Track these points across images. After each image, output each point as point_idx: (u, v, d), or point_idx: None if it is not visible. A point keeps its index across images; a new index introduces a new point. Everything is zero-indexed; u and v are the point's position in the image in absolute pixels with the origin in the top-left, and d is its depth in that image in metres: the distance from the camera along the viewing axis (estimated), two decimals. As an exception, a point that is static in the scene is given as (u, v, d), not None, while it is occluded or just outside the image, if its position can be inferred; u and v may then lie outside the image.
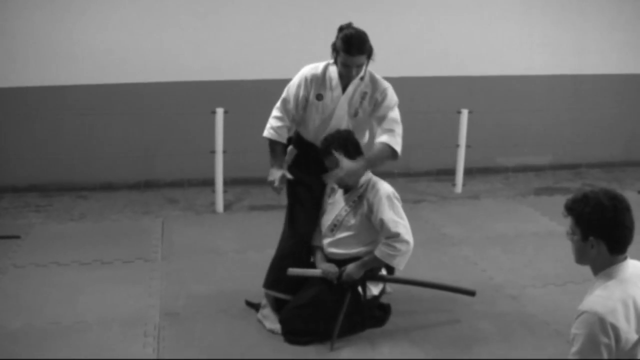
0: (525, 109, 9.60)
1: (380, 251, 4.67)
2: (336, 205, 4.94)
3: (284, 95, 5.05)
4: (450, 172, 8.88)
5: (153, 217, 7.63)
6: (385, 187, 4.82)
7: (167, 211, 7.85)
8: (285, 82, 8.31)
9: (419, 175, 9.26)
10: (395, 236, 4.63)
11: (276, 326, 4.88)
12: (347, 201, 4.89)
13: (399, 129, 4.96)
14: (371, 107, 4.98)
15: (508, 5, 9.32)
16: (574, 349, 2.93)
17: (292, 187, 5.11)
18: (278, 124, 5.04)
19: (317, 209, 5.04)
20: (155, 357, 4.55)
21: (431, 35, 9.05)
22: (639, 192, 8.69)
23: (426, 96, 9.11)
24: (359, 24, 8.60)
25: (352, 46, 4.67)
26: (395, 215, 4.69)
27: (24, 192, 8.35)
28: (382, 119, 4.95)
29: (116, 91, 8.36)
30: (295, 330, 4.78)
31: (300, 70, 5.04)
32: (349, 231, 4.85)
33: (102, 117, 8.39)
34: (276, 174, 4.93)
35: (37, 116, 8.26)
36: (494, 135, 9.52)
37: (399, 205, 4.79)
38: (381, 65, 8.47)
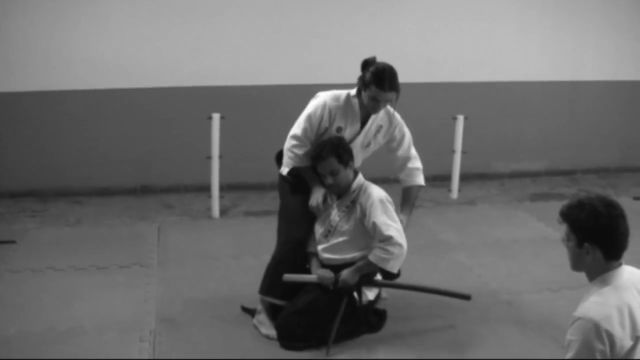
0: (521, 115, 9.62)
1: (374, 255, 4.68)
2: (329, 211, 4.95)
3: (304, 125, 4.91)
4: (446, 178, 8.89)
5: (149, 222, 7.63)
6: (377, 191, 4.83)
7: (163, 216, 7.85)
8: (281, 88, 8.35)
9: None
10: (388, 239, 4.63)
11: (272, 332, 4.88)
12: (340, 207, 4.89)
13: (421, 165, 5.25)
14: (385, 140, 5.07)
15: (504, 11, 9.34)
16: (569, 355, 2.93)
17: (289, 194, 5.11)
18: (301, 151, 4.94)
19: (311, 214, 5.03)
20: (151, 363, 4.56)
21: (427, 42, 9.06)
22: (634, 198, 8.71)
23: (422, 102, 9.11)
24: (354, 30, 8.66)
25: (384, 81, 4.63)
26: (387, 219, 4.70)
27: (19, 197, 8.34)
28: (407, 158, 5.18)
29: (112, 96, 8.36)
30: (291, 336, 4.78)
31: (319, 98, 4.97)
32: (343, 236, 4.86)
33: (98, 122, 8.39)
34: (319, 194, 4.92)
35: (34, 121, 8.26)
36: (490, 141, 9.54)
37: (391, 208, 4.80)
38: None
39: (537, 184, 9.64)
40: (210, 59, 8.47)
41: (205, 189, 8.02)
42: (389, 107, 5.00)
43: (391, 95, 4.71)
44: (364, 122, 4.95)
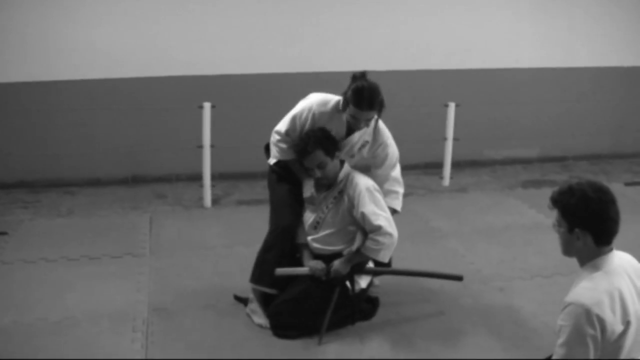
0: (512, 101, 9.61)
1: (364, 247, 4.69)
2: (318, 203, 4.95)
3: (289, 125, 4.91)
4: (438, 166, 8.90)
5: (141, 212, 7.62)
6: (364, 181, 4.82)
7: (155, 206, 7.84)
8: (273, 76, 8.33)
9: (407, 168, 9.16)
10: (377, 229, 4.64)
11: (264, 320, 4.89)
12: (327, 198, 4.89)
13: (401, 189, 5.13)
14: (369, 156, 5.02)
15: (495, -2, 9.35)
16: (561, 340, 2.95)
17: (276, 183, 5.11)
18: (286, 145, 4.95)
19: (300, 204, 5.03)
20: (143, 352, 4.56)
21: (418, 29, 9.04)
22: (625, 184, 8.74)
23: (413, 90, 9.11)
24: (345, 18, 8.63)
25: (363, 101, 4.60)
26: (376, 208, 4.70)
27: (11, 189, 8.31)
28: (384, 178, 5.07)
29: (103, 86, 8.33)
30: (284, 325, 4.79)
31: (308, 100, 4.95)
32: (332, 228, 4.86)
33: (89, 112, 8.35)
34: (310, 184, 4.92)
35: (24, 112, 8.22)
36: (482, 129, 9.54)
37: (379, 197, 4.79)
38: (369, 60, 8.50)
39: (528, 171, 9.65)
40: (201, 48, 8.44)
41: (197, 178, 8.01)
42: (380, 125, 4.98)
43: (370, 114, 4.69)
44: (349, 132, 4.92)
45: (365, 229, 4.72)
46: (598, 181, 3.13)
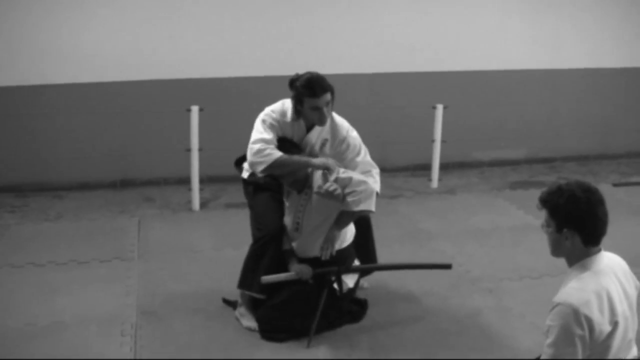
0: (500, 103, 9.64)
1: (345, 204, 4.66)
2: (293, 206, 4.95)
3: (262, 128, 4.81)
4: (426, 167, 8.90)
5: (129, 216, 7.60)
6: (321, 161, 4.80)
7: (143, 210, 7.82)
8: (260, 79, 8.33)
9: (395, 170, 9.26)
10: (348, 183, 4.63)
11: (253, 324, 4.89)
12: (301, 199, 4.90)
13: (375, 170, 5.02)
14: (332, 154, 4.96)
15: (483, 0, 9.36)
16: (549, 340, 2.95)
17: (254, 193, 5.12)
18: (272, 146, 4.78)
19: (279, 209, 5.04)
20: (132, 356, 4.55)
21: (405, 30, 9.05)
22: (613, 184, 8.77)
23: (401, 92, 9.13)
24: (334, 20, 8.64)
25: (315, 87, 4.65)
26: (343, 173, 4.70)
27: (-2, 193, 8.30)
28: (355, 166, 4.95)
29: (90, 90, 8.30)
30: (272, 328, 4.79)
31: (266, 110, 4.92)
32: (311, 225, 4.88)
33: (76, 116, 8.33)
34: (318, 160, 4.80)
35: (12, 116, 8.19)
36: (470, 130, 9.56)
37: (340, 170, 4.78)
38: (357, 62, 8.50)
39: (517, 172, 9.67)
40: (188, 51, 8.44)
41: (185, 181, 8.00)
42: (333, 116, 4.95)
43: (327, 96, 4.70)
44: (308, 130, 4.93)
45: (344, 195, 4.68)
46: (587, 182, 3.14)
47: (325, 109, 4.71)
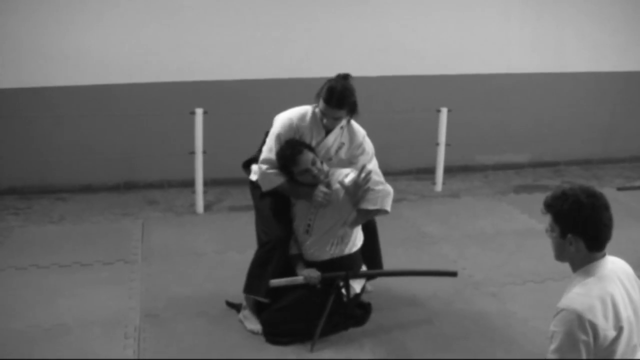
0: (504, 107, 9.63)
1: (365, 201, 4.73)
2: (304, 209, 4.95)
3: (276, 148, 4.86)
4: (430, 171, 8.90)
5: (133, 218, 7.60)
6: (345, 170, 4.88)
7: (147, 212, 7.81)
8: (264, 82, 8.32)
9: (399, 174, 9.25)
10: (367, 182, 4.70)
11: (257, 327, 4.88)
12: (312, 201, 4.89)
13: (381, 179, 5.00)
14: (347, 158, 5.03)
15: (487, 3, 9.33)
16: (553, 346, 2.95)
17: (261, 196, 5.09)
18: (274, 170, 4.89)
19: (286, 213, 5.04)
20: (135, 359, 4.55)
21: (410, 34, 9.04)
22: (617, 189, 8.75)
23: (405, 95, 9.12)
24: (337, 24, 8.62)
25: (332, 98, 4.67)
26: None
27: (2, 195, 8.26)
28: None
29: (94, 92, 8.30)
30: (277, 331, 4.79)
31: (284, 117, 4.93)
32: (324, 227, 4.87)
33: (80, 118, 8.33)
34: (318, 190, 4.82)
35: (15, 118, 8.19)
36: (474, 134, 9.55)
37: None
38: (361, 65, 8.49)
39: (520, 176, 9.66)
40: (193, 54, 8.43)
41: (189, 184, 8.00)
42: (352, 123, 5.02)
43: (339, 112, 4.74)
44: (327, 134, 4.96)
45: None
46: (591, 186, 3.13)
47: (331, 120, 4.77)
